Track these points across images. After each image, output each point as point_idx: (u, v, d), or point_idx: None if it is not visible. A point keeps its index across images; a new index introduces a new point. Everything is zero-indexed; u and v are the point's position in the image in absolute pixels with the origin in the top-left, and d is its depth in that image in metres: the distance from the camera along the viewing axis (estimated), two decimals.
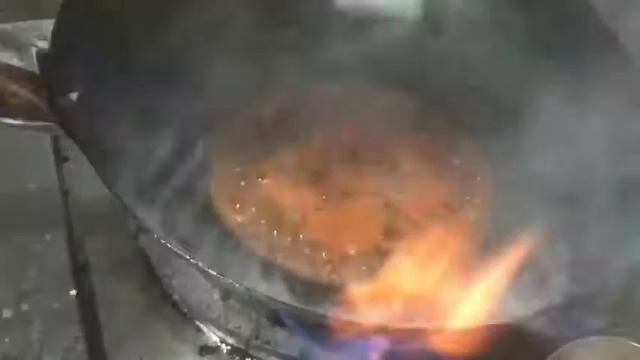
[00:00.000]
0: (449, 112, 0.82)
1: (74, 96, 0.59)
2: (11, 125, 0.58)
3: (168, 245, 0.50)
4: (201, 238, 0.64)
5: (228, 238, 0.67)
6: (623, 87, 0.71)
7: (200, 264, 0.48)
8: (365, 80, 0.84)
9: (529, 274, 0.59)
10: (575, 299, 0.55)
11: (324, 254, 0.66)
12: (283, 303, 0.49)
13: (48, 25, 0.90)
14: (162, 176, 0.66)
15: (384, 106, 0.83)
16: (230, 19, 0.79)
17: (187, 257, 0.48)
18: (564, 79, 0.73)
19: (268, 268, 0.64)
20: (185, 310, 0.66)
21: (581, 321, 0.60)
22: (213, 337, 0.65)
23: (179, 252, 0.49)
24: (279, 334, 0.60)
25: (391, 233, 0.69)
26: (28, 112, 0.57)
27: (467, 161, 0.79)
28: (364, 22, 0.86)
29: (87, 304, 0.66)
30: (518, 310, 0.56)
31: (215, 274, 0.48)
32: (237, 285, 0.48)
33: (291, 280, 0.63)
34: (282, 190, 0.72)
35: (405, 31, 0.85)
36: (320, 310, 0.50)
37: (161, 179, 0.65)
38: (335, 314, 0.49)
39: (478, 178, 0.77)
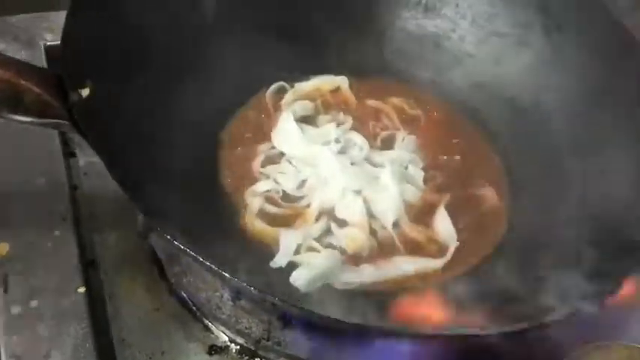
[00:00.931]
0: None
1: (86, 92, 0.58)
2: (22, 122, 0.57)
3: (189, 251, 0.49)
4: (212, 236, 0.63)
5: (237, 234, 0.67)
6: None
7: (210, 264, 0.47)
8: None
9: (545, 279, 0.59)
10: (591, 304, 0.55)
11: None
12: (296, 307, 0.48)
13: (56, 17, 0.90)
14: (176, 174, 0.65)
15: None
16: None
17: (203, 260, 0.48)
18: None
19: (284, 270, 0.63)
20: (194, 309, 0.66)
21: (596, 325, 0.59)
22: (222, 336, 0.65)
23: (198, 257, 0.48)
24: (291, 336, 0.59)
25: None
26: (39, 109, 0.56)
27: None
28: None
29: (95, 301, 0.66)
30: (536, 313, 0.55)
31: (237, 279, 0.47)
32: (252, 289, 0.47)
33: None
34: None
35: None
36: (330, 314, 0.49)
37: (174, 177, 0.65)
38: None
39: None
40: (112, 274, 0.68)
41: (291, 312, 0.52)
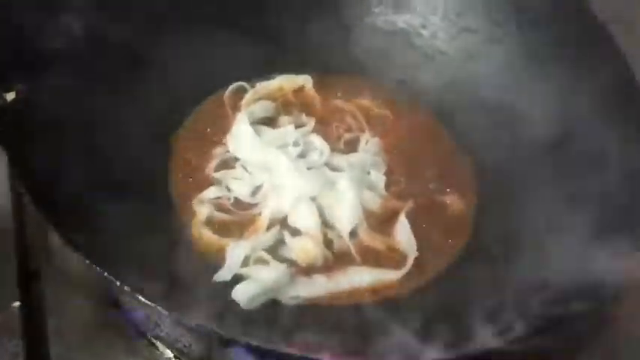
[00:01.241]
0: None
1: (11, 96, 0.54)
2: None
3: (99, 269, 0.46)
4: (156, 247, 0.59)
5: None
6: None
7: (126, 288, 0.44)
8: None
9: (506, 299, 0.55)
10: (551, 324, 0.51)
11: None
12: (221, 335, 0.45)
13: None
14: (118, 181, 0.62)
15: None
16: None
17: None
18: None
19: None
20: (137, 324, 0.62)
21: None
22: (167, 352, 0.61)
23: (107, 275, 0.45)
24: (232, 356, 0.56)
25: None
26: None
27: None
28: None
29: (33, 315, 0.62)
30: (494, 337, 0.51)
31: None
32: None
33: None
34: None
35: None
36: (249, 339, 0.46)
37: (114, 184, 0.61)
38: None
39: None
40: (56, 286, 0.65)
41: (214, 335, 0.48)
